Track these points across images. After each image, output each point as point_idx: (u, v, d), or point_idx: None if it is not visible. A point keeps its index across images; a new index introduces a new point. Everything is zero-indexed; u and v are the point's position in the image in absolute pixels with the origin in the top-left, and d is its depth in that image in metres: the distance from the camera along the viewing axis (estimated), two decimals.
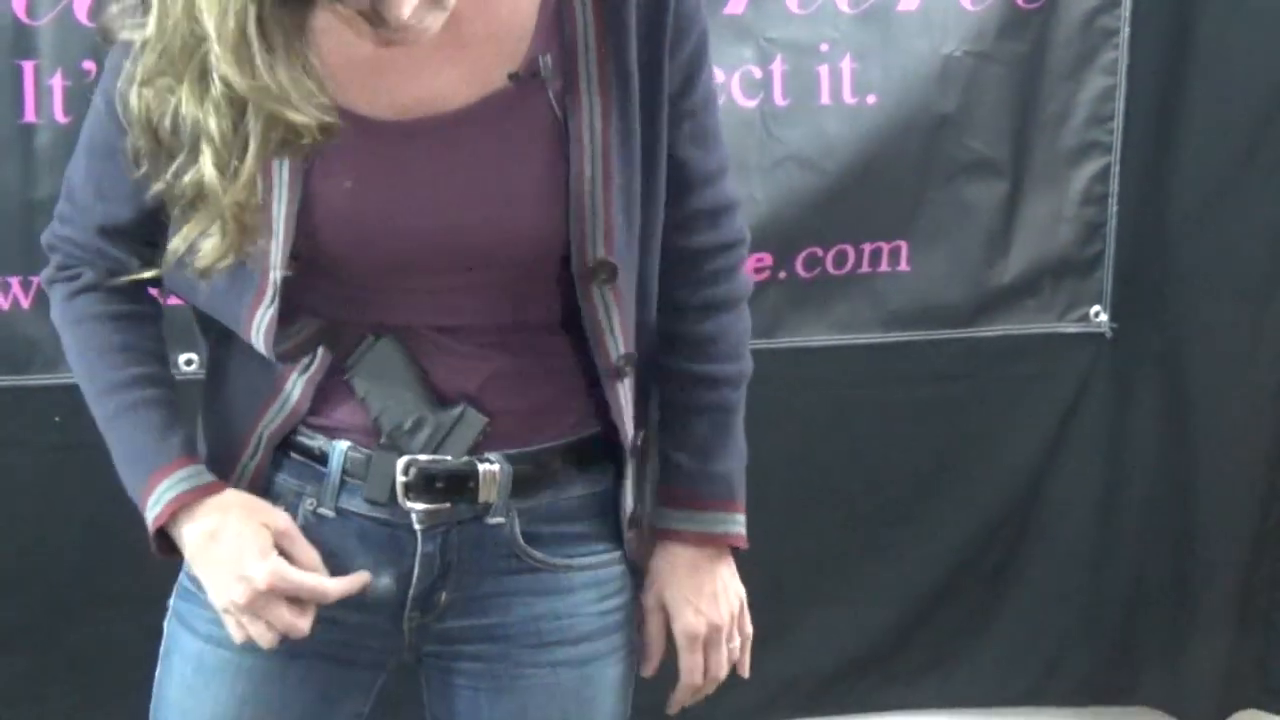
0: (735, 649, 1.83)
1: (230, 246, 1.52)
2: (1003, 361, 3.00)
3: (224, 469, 1.73)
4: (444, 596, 1.72)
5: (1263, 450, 3.06)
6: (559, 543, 1.74)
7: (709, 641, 1.80)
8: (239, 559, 1.64)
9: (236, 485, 1.71)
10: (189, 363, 2.51)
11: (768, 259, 2.82)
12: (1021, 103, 2.90)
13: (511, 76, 1.61)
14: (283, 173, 1.58)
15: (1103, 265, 2.99)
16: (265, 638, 1.65)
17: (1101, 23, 2.87)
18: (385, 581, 1.70)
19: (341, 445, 1.68)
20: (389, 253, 1.62)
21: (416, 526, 1.68)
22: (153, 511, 1.68)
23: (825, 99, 2.80)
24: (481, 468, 1.67)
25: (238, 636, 1.67)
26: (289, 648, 1.68)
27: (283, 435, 1.71)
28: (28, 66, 2.53)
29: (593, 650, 1.78)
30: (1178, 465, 3.08)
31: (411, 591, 1.71)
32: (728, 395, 1.79)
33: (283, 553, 1.65)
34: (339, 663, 1.75)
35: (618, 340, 1.69)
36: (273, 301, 1.62)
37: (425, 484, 1.66)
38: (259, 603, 1.63)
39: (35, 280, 2.56)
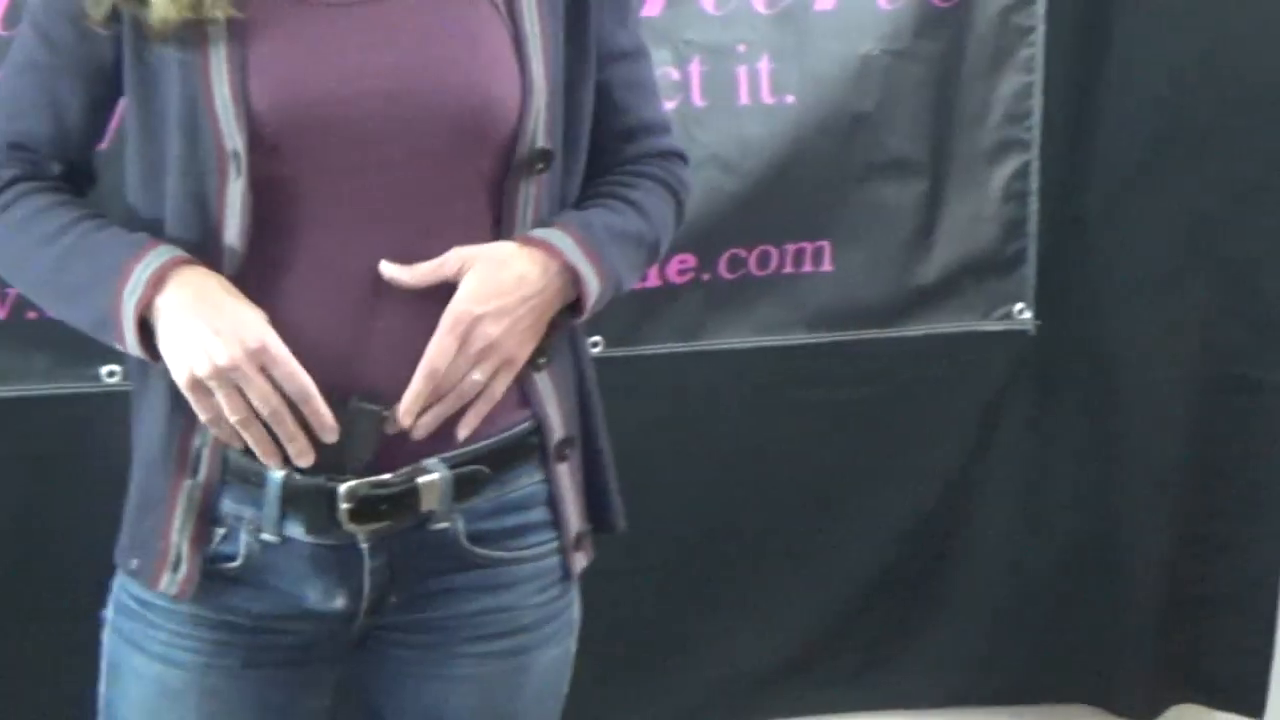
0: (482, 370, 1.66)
1: None
2: (927, 361, 2.99)
3: (163, 488, 1.69)
4: (392, 599, 1.72)
5: (1187, 443, 3.07)
6: (505, 536, 1.74)
7: (468, 331, 1.64)
8: (227, 317, 1.57)
9: (185, 511, 1.67)
10: (111, 374, 2.48)
11: (691, 260, 2.81)
12: (939, 101, 2.90)
13: None
14: (219, 50, 1.58)
15: (1024, 263, 2.99)
16: (240, 410, 1.58)
17: (1016, 20, 2.88)
18: (340, 602, 1.70)
19: (277, 475, 1.65)
20: (336, 120, 1.60)
21: (363, 546, 1.67)
22: (134, 296, 1.59)
23: (744, 99, 2.79)
24: (421, 481, 1.66)
25: (204, 414, 1.60)
26: (245, 658, 1.69)
27: (220, 453, 1.67)
28: None
29: (528, 640, 1.79)
30: (1103, 461, 3.08)
31: (364, 605, 1.70)
32: (629, 214, 1.79)
33: None
34: (296, 666, 1.74)
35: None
36: (239, 175, 1.59)
37: (368, 508, 1.64)
38: (241, 368, 1.56)
39: None
